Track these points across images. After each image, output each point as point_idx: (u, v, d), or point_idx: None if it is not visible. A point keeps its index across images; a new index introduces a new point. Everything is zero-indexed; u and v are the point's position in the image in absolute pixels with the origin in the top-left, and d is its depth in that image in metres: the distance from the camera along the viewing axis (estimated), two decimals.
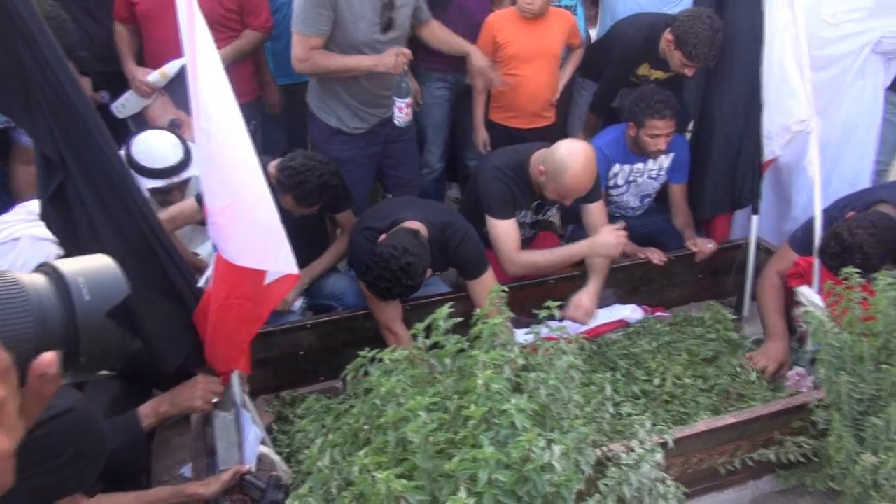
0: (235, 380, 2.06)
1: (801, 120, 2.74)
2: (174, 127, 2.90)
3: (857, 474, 1.90)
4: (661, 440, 1.81)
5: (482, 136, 3.35)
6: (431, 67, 3.31)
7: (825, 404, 2.03)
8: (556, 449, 1.37)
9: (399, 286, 2.31)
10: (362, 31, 2.75)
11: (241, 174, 1.73)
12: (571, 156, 2.57)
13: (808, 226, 2.72)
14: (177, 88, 2.94)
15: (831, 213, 2.67)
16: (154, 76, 2.98)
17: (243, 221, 1.74)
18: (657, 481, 1.66)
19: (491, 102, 3.35)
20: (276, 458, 2.06)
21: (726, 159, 2.99)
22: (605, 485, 1.62)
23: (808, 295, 2.60)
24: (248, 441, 2.03)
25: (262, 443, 2.06)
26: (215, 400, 1.91)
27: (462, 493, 1.24)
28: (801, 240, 2.73)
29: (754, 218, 3.05)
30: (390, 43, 2.82)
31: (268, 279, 1.81)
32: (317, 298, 2.87)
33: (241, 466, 1.83)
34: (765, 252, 3.05)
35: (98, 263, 0.62)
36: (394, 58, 2.73)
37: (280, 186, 2.48)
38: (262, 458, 2.03)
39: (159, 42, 2.99)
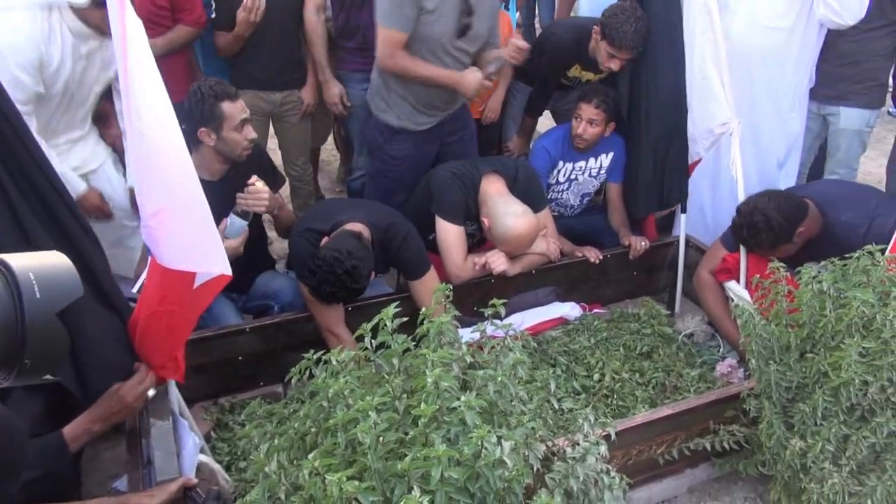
0: (172, 388, 1.99)
1: (723, 122, 2.87)
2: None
3: (786, 459, 1.99)
4: (605, 433, 1.85)
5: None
6: (355, 68, 3.27)
7: (756, 393, 2.12)
8: (507, 445, 1.38)
9: (344, 290, 2.28)
10: (437, 31, 2.71)
11: (174, 175, 1.67)
12: (515, 229, 2.70)
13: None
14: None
15: None
16: None
17: (177, 224, 1.69)
18: (602, 473, 1.69)
19: None
20: (216, 466, 1.99)
21: (654, 160, 3.09)
22: (553, 479, 1.64)
23: (736, 290, 2.72)
24: (187, 450, 1.95)
25: (201, 451, 2.00)
26: (152, 392, 1.83)
27: (415, 492, 1.23)
28: (730, 237, 2.86)
29: (682, 217, 3.17)
30: (461, 51, 2.81)
31: (197, 282, 1.76)
32: (252, 300, 2.79)
33: (188, 479, 1.76)
34: (694, 249, 3.16)
35: (51, 261, 0.58)
36: (475, 82, 2.75)
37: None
38: (201, 468, 1.96)
39: None
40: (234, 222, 2.44)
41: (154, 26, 2.88)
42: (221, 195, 2.50)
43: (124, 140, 2.53)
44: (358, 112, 3.32)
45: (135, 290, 1.95)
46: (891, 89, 3.77)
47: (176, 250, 1.70)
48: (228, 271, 1.76)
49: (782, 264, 2.21)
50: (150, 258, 1.79)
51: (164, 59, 2.67)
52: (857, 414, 1.96)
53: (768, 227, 2.47)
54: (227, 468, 2.23)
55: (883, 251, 2.13)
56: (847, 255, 2.16)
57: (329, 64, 3.27)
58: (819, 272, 2.14)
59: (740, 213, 2.61)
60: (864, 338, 1.94)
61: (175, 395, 1.99)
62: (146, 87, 1.61)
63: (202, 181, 2.50)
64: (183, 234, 1.70)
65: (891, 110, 4.45)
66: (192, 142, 2.46)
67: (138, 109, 1.62)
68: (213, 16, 3.08)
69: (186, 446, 1.95)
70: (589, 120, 3.05)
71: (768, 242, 2.54)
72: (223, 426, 2.42)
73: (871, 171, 4.83)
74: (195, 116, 2.43)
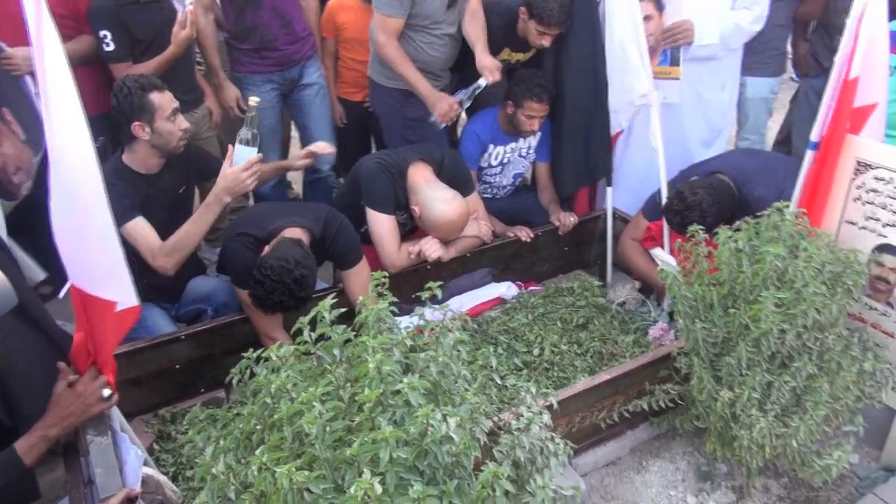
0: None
1: (642, 94, 2.97)
2: None
3: (717, 410, 2.10)
4: (547, 403, 1.91)
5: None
6: (255, 70, 3.21)
7: (685, 351, 2.23)
8: (452, 421, 1.41)
9: (292, 299, 2.26)
10: (434, 7, 2.81)
11: (84, 193, 1.60)
12: (446, 215, 2.74)
13: (657, 194, 2.97)
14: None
15: (675, 183, 2.91)
16: None
17: (84, 243, 1.62)
18: (547, 441, 1.74)
19: (338, 80, 3.61)
20: (161, 478, 1.95)
21: (579, 136, 3.17)
22: (500, 451, 1.68)
23: (662, 256, 2.83)
24: (129, 464, 1.90)
25: (145, 464, 1.95)
26: (107, 393, 1.78)
27: (366, 475, 1.25)
28: (651, 207, 2.97)
29: (609, 190, 3.27)
30: (446, 23, 2.93)
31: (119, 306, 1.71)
32: (184, 306, 2.73)
33: (130, 490, 1.72)
34: (621, 221, 3.27)
35: None
36: (447, 108, 2.83)
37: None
38: (146, 481, 1.92)
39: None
40: (240, 151, 2.44)
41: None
42: (159, 189, 2.48)
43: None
44: (261, 115, 3.16)
45: (61, 295, 1.88)
46: (790, 56, 3.98)
47: (81, 269, 1.64)
48: (135, 302, 1.72)
49: (701, 226, 2.32)
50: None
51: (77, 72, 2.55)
52: (777, 361, 2.09)
53: (702, 220, 2.50)
54: (174, 479, 2.19)
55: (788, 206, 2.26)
56: (759, 214, 2.29)
57: (223, 66, 3.20)
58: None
59: (680, 197, 2.62)
60: (778, 289, 2.06)
61: (113, 409, 1.94)
62: (59, 96, 1.54)
63: (139, 175, 2.48)
64: (87, 253, 1.63)
65: (793, 76, 4.68)
66: (127, 139, 2.44)
67: (51, 121, 1.56)
68: (112, 48, 2.80)
69: (128, 460, 1.90)
70: (542, 116, 3.10)
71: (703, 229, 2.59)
72: (166, 437, 2.37)
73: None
74: (126, 111, 2.40)
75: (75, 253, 1.62)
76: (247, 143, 2.46)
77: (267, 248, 2.39)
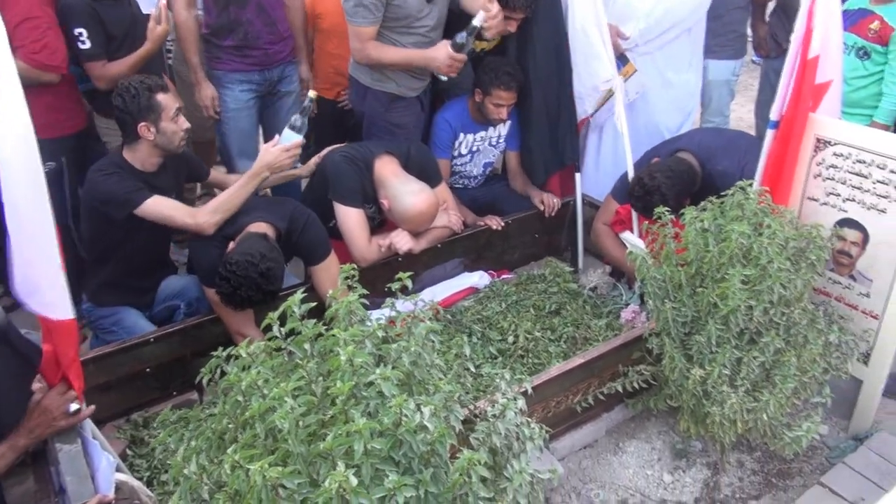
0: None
1: (606, 80, 2.99)
2: None
3: (689, 388, 2.13)
4: (522, 389, 1.92)
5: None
6: (232, 68, 3.11)
7: (656, 332, 2.25)
8: (426, 410, 1.41)
9: (260, 293, 2.24)
10: (412, 5, 2.74)
11: (28, 211, 1.55)
12: (416, 207, 2.73)
13: (624, 177, 2.99)
14: None
15: (641, 164, 2.95)
16: None
17: (24, 256, 1.59)
18: (522, 426, 1.75)
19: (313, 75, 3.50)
20: (135, 483, 1.92)
21: (547, 122, 3.18)
22: (476, 438, 1.68)
23: (631, 239, 2.87)
24: (101, 470, 1.87)
25: (118, 469, 1.92)
26: (74, 407, 1.75)
27: (340, 468, 1.24)
28: (620, 190, 3.00)
29: (577, 175, 3.29)
30: (428, 17, 2.82)
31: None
32: (157, 306, 2.69)
33: (103, 496, 1.69)
34: (590, 206, 3.30)
35: None
36: (444, 56, 2.74)
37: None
38: (120, 487, 1.89)
39: None
40: (287, 134, 2.59)
41: None
42: (156, 187, 2.47)
43: None
44: (236, 116, 3.17)
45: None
46: (750, 38, 4.04)
47: (21, 282, 1.61)
48: (69, 316, 1.68)
49: (668, 208, 2.34)
50: None
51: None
52: (746, 337, 2.12)
53: (664, 202, 2.52)
54: (149, 484, 2.16)
55: (752, 185, 2.29)
56: (723, 194, 2.32)
57: (201, 63, 3.11)
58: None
59: (640, 183, 2.66)
60: (744, 267, 2.10)
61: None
62: (8, 112, 1.50)
63: (139, 172, 2.48)
64: (27, 267, 1.59)
65: (754, 58, 4.75)
66: (130, 138, 2.46)
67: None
68: (88, 46, 2.72)
69: (100, 466, 1.87)
70: (510, 105, 3.10)
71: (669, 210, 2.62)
72: (139, 442, 2.33)
73: (742, 116, 5.17)
74: (133, 112, 2.40)
75: (20, 268, 1.59)
76: (296, 130, 2.60)
77: (232, 245, 2.37)
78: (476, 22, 2.70)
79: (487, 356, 2.70)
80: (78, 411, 1.78)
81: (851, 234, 2.33)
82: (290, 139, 2.58)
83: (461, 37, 2.73)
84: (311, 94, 2.68)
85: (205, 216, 2.45)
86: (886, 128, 3.02)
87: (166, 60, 3.24)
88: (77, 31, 2.71)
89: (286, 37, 3.21)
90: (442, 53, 2.76)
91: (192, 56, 3.07)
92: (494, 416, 1.73)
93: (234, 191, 2.52)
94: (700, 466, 2.40)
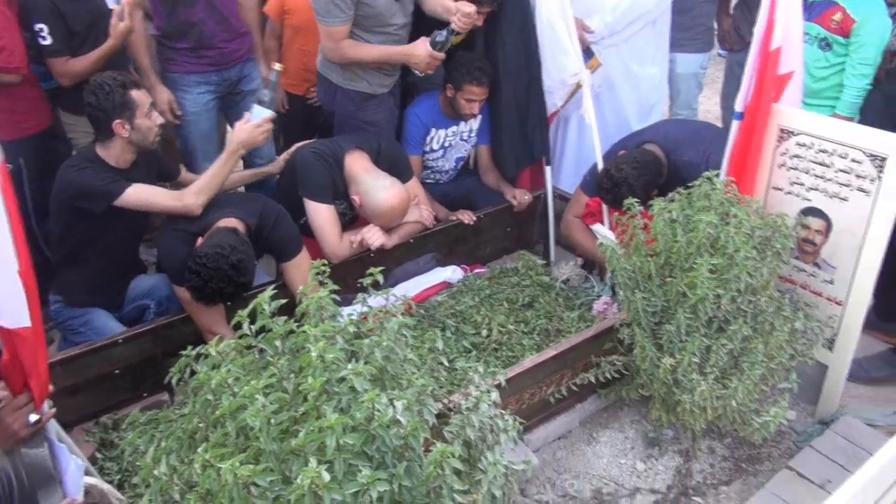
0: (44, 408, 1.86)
1: (574, 73, 3.01)
2: None
3: (660, 377, 2.16)
4: (496, 381, 1.93)
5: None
6: (191, 70, 3.03)
7: (627, 322, 2.28)
8: (399, 404, 1.41)
9: (232, 285, 2.22)
10: (382, 3, 2.72)
11: None
12: (387, 202, 2.72)
13: (593, 169, 3.01)
14: None
15: (609, 156, 2.97)
16: None
17: None
18: (496, 418, 1.76)
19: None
20: (105, 486, 1.89)
21: (517, 116, 3.19)
22: (450, 431, 1.69)
23: (601, 231, 2.89)
24: (70, 474, 1.84)
25: (87, 473, 1.89)
26: (34, 418, 1.71)
27: (313, 464, 1.24)
28: (589, 183, 3.02)
29: (547, 169, 3.31)
30: (399, 14, 2.81)
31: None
32: (126, 306, 2.65)
33: (72, 501, 1.66)
34: (560, 199, 3.32)
35: None
36: (425, 53, 2.73)
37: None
38: (90, 491, 1.86)
39: None
40: (257, 110, 2.60)
41: None
42: (131, 182, 2.42)
43: None
44: (196, 120, 3.09)
45: None
46: (716, 31, 4.09)
47: None
48: (26, 323, 1.64)
49: (636, 199, 2.36)
50: None
51: None
52: (714, 326, 2.16)
53: (632, 193, 2.53)
54: (120, 487, 2.12)
55: (718, 176, 2.33)
56: (690, 185, 2.35)
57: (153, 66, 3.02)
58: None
59: (608, 176, 2.68)
60: (712, 256, 2.13)
61: (50, 420, 1.86)
62: None
63: (112, 168, 2.45)
64: None
65: (720, 52, 4.82)
66: (103, 135, 2.43)
67: None
68: (49, 42, 2.67)
69: (69, 470, 1.84)
70: (481, 100, 3.09)
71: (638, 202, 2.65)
72: (109, 445, 2.29)
73: (710, 109, 5.24)
74: (107, 109, 2.37)
75: None
76: (265, 105, 2.61)
77: (200, 240, 2.34)
78: (452, 27, 2.75)
79: (461, 350, 2.71)
80: (38, 421, 1.74)
81: (815, 223, 2.38)
82: (260, 115, 2.59)
83: (441, 35, 2.74)
84: (277, 66, 2.68)
85: (191, 197, 2.44)
86: (850, 121, 3.08)
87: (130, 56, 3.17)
88: (38, 26, 2.65)
89: (243, 33, 3.14)
90: (422, 51, 2.77)
91: (143, 59, 2.97)
92: (468, 408, 1.74)
93: (215, 170, 2.51)
94: (672, 454, 2.44)
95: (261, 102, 2.62)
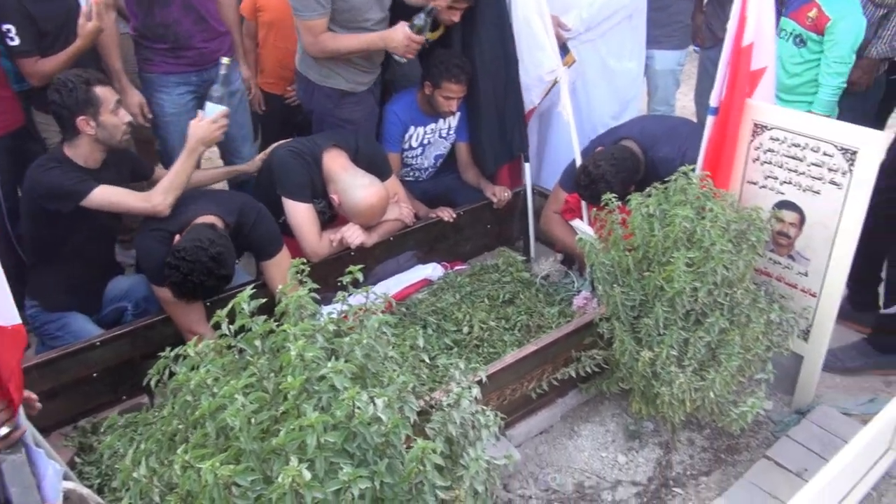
0: (21, 417, 1.84)
1: (551, 70, 3.02)
2: None
3: (639, 370, 2.18)
4: (477, 378, 1.94)
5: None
6: (169, 70, 2.98)
7: (606, 317, 2.30)
8: (380, 402, 1.41)
9: (212, 278, 2.21)
10: (358, 3, 2.72)
11: None
12: (366, 200, 2.73)
13: (571, 166, 3.03)
14: None
15: (586, 153, 2.99)
16: None
17: None
18: (477, 414, 1.77)
19: (258, 69, 3.51)
20: (85, 491, 1.86)
21: (496, 113, 3.20)
22: (432, 428, 1.70)
23: (580, 226, 2.91)
24: (48, 479, 1.81)
25: (66, 478, 1.87)
26: (4, 431, 1.68)
27: (293, 463, 1.24)
28: (567, 179, 3.04)
29: (526, 165, 3.33)
30: (376, 8, 2.81)
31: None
32: (104, 308, 2.62)
33: None
34: (540, 196, 3.33)
35: None
36: (402, 37, 2.72)
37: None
38: (69, 496, 1.84)
39: None
40: (210, 107, 2.59)
41: None
42: (101, 182, 2.40)
43: None
44: (176, 121, 3.03)
45: None
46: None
47: None
48: (17, 321, 1.62)
49: (614, 194, 2.38)
50: None
51: None
52: (692, 319, 2.18)
53: (610, 189, 2.56)
54: (99, 491, 2.10)
55: (694, 171, 2.36)
56: (666, 180, 2.37)
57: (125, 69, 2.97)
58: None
59: (585, 172, 2.70)
60: (688, 249, 2.15)
61: (24, 423, 1.84)
62: None
63: (82, 168, 2.44)
64: None
65: (695, 48, 4.86)
66: (70, 135, 2.41)
67: None
68: (17, 42, 2.65)
69: (47, 475, 1.81)
70: (459, 98, 3.09)
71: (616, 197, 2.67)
72: (88, 449, 2.27)
73: (686, 105, 5.29)
74: (70, 106, 2.35)
75: None
76: (217, 101, 2.60)
77: (178, 238, 2.32)
78: (429, 6, 2.77)
79: (443, 347, 2.72)
80: (9, 433, 1.71)
81: (789, 216, 2.41)
82: (213, 111, 2.58)
83: (419, 18, 2.76)
84: (225, 60, 2.69)
85: (158, 197, 2.42)
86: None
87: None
88: (5, 27, 2.62)
89: (222, 32, 3.10)
90: (399, 35, 2.76)
91: (114, 61, 2.91)
92: (450, 405, 1.75)
93: (178, 168, 2.50)
94: (652, 446, 2.46)
95: (211, 98, 2.61)
